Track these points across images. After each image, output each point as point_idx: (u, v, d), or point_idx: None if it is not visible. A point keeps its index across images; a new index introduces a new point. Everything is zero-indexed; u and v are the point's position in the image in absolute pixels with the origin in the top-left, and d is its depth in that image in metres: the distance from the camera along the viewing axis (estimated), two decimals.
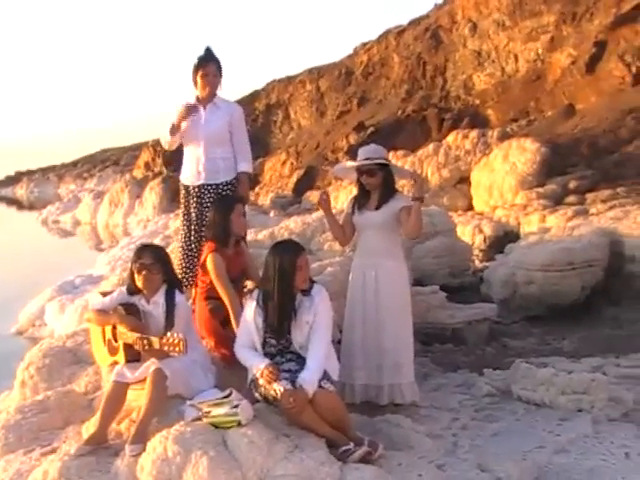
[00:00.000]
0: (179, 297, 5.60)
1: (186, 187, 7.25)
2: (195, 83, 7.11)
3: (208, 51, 7.11)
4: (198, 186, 7.12)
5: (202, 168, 7.14)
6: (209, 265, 6.24)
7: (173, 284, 5.69)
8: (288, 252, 5.41)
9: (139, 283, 5.56)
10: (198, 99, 7.11)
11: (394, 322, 6.37)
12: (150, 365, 5.24)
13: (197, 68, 7.06)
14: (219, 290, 6.20)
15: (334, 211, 6.92)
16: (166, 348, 5.11)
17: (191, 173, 7.19)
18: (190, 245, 7.20)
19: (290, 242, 5.82)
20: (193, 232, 7.16)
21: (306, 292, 5.42)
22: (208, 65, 7.07)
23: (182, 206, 7.30)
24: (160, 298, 5.55)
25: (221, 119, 7.12)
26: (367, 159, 6.37)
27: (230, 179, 7.16)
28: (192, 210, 7.16)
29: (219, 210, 6.41)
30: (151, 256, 5.59)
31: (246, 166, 7.26)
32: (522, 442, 5.88)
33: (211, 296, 6.30)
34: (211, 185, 7.10)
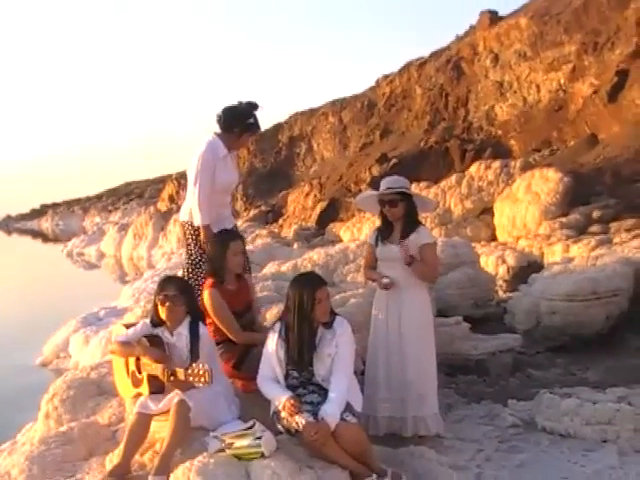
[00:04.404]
0: (202, 329, 5.63)
1: None
2: (237, 133, 6.95)
3: (257, 117, 7.07)
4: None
5: (228, 214, 7.26)
6: (206, 301, 6.21)
7: (196, 316, 5.71)
8: (307, 285, 5.43)
9: (163, 315, 5.58)
10: (222, 138, 6.96)
11: (417, 353, 6.35)
12: (174, 397, 5.26)
13: (249, 129, 7.01)
14: (219, 324, 6.20)
15: (357, 242, 6.93)
16: (191, 379, 5.13)
17: (217, 219, 7.03)
18: None
19: (310, 275, 5.84)
20: None
21: (328, 324, 5.44)
22: (258, 131, 7.16)
23: (199, 250, 7.02)
24: (184, 330, 5.57)
25: (236, 166, 7.33)
26: (388, 189, 6.40)
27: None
28: None
29: (216, 247, 6.39)
30: (175, 288, 5.62)
31: None
32: (547, 473, 5.85)
33: (220, 340, 6.24)
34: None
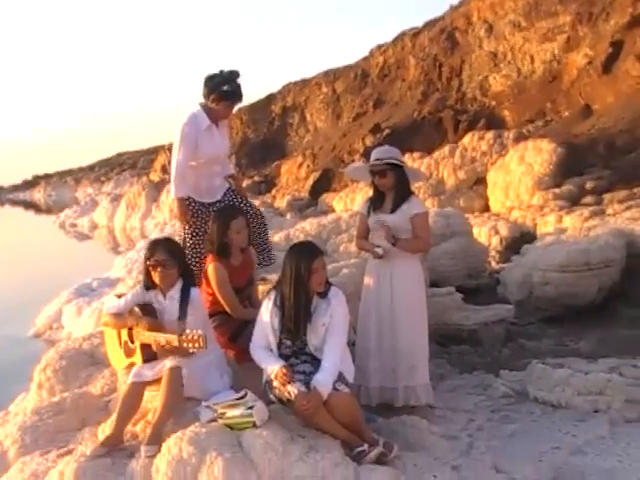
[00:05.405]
0: (194, 291, 5.61)
1: (202, 203, 7.05)
2: (212, 101, 6.84)
3: (239, 86, 6.91)
4: (214, 202, 7.07)
5: (220, 183, 7.18)
6: (210, 275, 6.18)
7: (189, 279, 5.70)
8: (304, 255, 5.40)
9: (156, 279, 5.55)
10: (206, 109, 6.91)
11: (409, 324, 6.34)
12: (166, 363, 5.25)
13: (225, 96, 6.84)
14: (221, 300, 6.17)
15: (349, 212, 6.89)
16: (185, 344, 5.10)
17: (207, 190, 7.07)
18: None
19: (307, 244, 5.78)
20: None
21: (323, 294, 5.42)
22: (237, 101, 6.99)
23: (195, 222, 7.03)
24: (176, 293, 5.55)
25: (227, 135, 7.21)
26: (378, 160, 6.37)
27: (225, 191, 7.27)
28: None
29: (217, 226, 6.25)
30: (164, 251, 5.57)
31: (233, 168, 7.56)
32: (538, 443, 5.86)
33: (215, 312, 6.22)
34: (220, 201, 7.11)
